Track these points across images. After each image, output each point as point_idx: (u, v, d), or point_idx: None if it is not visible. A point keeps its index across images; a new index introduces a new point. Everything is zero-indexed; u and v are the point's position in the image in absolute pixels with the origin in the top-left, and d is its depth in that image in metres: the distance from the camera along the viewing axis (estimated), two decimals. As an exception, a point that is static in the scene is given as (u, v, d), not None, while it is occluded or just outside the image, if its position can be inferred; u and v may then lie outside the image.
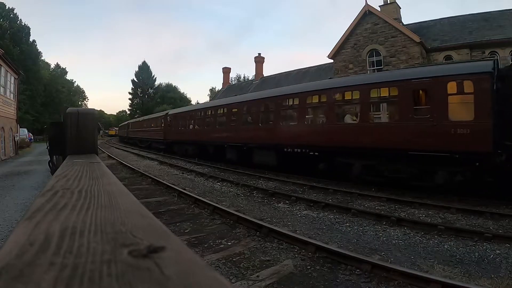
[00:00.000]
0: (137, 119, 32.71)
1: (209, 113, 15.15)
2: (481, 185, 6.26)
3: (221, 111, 14.16)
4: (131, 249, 0.30)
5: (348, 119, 8.85)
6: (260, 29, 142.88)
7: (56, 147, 1.95)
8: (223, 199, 6.87)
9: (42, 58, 49.13)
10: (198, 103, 41.81)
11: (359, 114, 8.41)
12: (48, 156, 2.24)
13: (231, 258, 3.69)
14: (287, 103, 10.48)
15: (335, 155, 8.52)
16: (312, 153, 9.14)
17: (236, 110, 13.04)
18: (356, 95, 8.41)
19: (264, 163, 10.74)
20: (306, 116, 9.83)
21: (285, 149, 9.94)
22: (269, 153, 10.63)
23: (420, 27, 18.79)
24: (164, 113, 22.40)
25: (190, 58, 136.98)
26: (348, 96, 8.69)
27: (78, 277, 0.25)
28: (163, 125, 20.89)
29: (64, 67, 58.94)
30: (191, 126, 17.03)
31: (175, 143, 18.42)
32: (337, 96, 8.86)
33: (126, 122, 40.45)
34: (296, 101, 10.07)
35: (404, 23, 18.74)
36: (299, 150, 9.53)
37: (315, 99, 9.61)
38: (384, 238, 4.46)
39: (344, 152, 8.27)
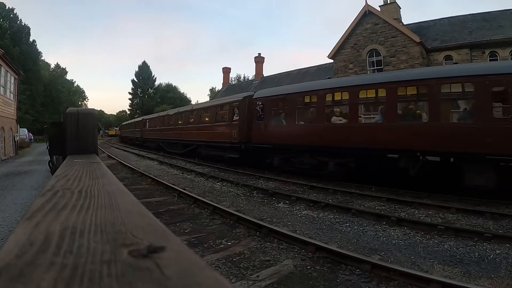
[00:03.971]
0: (164, 113, 22.63)
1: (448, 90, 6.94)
2: None
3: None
4: (131, 249, 0.30)
5: None
6: (260, 30, 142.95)
7: (56, 147, 1.95)
8: (223, 199, 6.87)
9: (42, 58, 49.19)
10: (198, 102, 35.15)
11: None
12: (48, 156, 2.24)
13: (231, 258, 3.69)
14: None
15: None
16: None
17: None
18: None
19: None
20: None
21: None
22: None
23: (420, 27, 18.81)
24: (239, 96, 12.94)
25: (190, 58, 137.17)
26: None
27: (78, 277, 0.25)
28: (236, 117, 12.01)
29: (64, 67, 59.00)
30: (358, 118, 8.64)
31: (278, 150, 10.09)
32: None
33: (138, 119, 30.72)
34: None
35: (404, 23, 18.76)
36: None
37: None
38: (384, 238, 4.46)
39: None
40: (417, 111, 7.56)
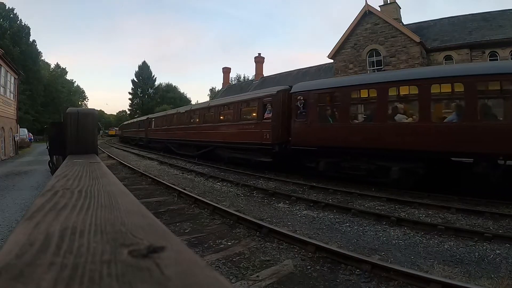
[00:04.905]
0: (174, 111, 20.26)
1: None
2: None
3: None
4: (131, 249, 0.30)
5: None
6: (261, 30, 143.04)
7: (56, 147, 1.95)
8: (223, 199, 6.87)
9: (42, 58, 49.19)
10: (198, 102, 32.95)
11: None
12: (48, 156, 2.24)
13: (231, 258, 3.69)
14: None
15: None
16: None
17: None
18: None
19: None
20: None
21: None
22: None
23: (420, 27, 18.82)
24: (272, 90, 10.85)
25: (190, 58, 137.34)
26: None
27: (78, 277, 0.25)
28: (268, 114, 10.21)
29: (64, 67, 58.89)
30: (430, 116, 7.21)
31: (324, 152, 8.59)
32: None
33: (143, 118, 28.41)
34: None
35: (404, 23, 18.76)
36: None
37: None
38: (384, 238, 4.46)
39: None
40: (502, 109, 6.69)
